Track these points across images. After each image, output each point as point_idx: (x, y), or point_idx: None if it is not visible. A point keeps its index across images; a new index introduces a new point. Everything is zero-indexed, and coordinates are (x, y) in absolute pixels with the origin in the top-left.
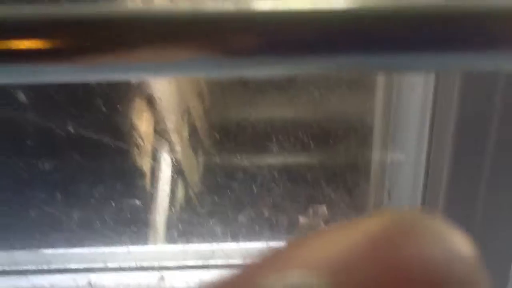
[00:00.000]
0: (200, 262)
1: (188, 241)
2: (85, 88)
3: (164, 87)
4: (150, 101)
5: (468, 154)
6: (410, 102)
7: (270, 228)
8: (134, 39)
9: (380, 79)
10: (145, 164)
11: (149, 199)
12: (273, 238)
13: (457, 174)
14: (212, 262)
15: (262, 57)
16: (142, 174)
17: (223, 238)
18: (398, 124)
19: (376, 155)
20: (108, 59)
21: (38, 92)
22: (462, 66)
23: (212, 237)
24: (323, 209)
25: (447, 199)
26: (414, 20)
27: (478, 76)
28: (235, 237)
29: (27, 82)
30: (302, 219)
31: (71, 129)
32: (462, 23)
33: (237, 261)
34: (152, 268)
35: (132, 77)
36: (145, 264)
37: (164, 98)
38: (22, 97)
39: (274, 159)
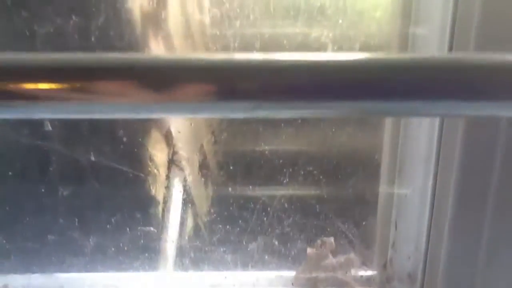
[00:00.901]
0: None
1: (198, 269)
2: (108, 120)
3: (181, 120)
4: (168, 134)
5: (472, 189)
6: (416, 137)
7: (279, 258)
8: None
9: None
10: (159, 193)
11: (162, 227)
12: (282, 267)
13: (461, 209)
14: None
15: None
16: (156, 203)
17: (233, 266)
18: (405, 159)
19: (383, 189)
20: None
21: (63, 121)
22: (459, 113)
23: (222, 265)
24: (330, 241)
25: (451, 234)
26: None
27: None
28: (244, 266)
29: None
30: (310, 250)
31: (92, 157)
32: (462, 74)
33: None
34: None
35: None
36: None
37: (182, 131)
38: (47, 125)
39: (284, 191)
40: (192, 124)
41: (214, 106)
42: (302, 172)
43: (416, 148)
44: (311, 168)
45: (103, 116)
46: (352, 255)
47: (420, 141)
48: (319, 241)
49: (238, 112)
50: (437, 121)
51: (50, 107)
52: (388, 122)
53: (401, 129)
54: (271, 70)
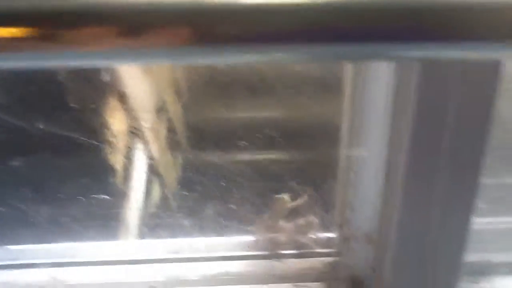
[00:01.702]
0: (168, 256)
1: (156, 236)
2: (56, 86)
3: (137, 84)
4: (123, 98)
5: (424, 149)
6: (372, 99)
7: (239, 223)
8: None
9: (347, 77)
10: (116, 160)
11: (117, 195)
12: (241, 232)
13: (414, 169)
14: (180, 256)
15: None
16: (112, 170)
17: (191, 233)
18: (362, 121)
19: (342, 151)
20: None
21: (9, 89)
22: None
23: (181, 232)
24: (287, 200)
25: (404, 194)
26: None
27: (434, 71)
28: (204, 232)
29: None
30: (268, 211)
31: (41, 126)
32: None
33: (204, 254)
34: (118, 263)
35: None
36: (112, 259)
37: (137, 96)
38: None
39: (244, 156)
40: (149, 86)
41: (192, 51)
42: (262, 136)
43: (372, 109)
44: (270, 132)
45: (74, 64)
46: (311, 218)
47: (375, 102)
48: (276, 202)
49: (216, 57)
50: (390, 82)
51: (13, 56)
52: (348, 83)
53: (358, 90)
54: (251, 13)
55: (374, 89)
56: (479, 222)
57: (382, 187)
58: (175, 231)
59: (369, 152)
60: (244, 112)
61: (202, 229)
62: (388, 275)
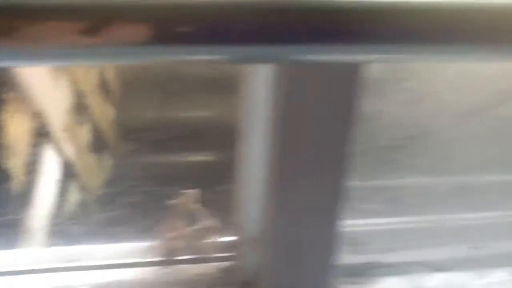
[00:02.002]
0: (59, 265)
1: (53, 244)
2: None
3: (48, 85)
4: (28, 99)
5: (295, 152)
6: (256, 102)
7: (136, 228)
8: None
9: (240, 80)
10: (17, 165)
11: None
12: (133, 238)
13: (288, 169)
14: (71, 264)
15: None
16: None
17: (89, 240)
18: (250, 123)
19: (235, 153)
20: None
21: None
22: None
23: (72, 238)
24: (183, 203)
25: (282, 194)
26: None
27: (297, 74)
28: (102, 239)
29: None
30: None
31: None
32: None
33: (96, 262)
34: (8, 273)
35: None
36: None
37: (48, 97)
38: None
39: (137, 158)
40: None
41: (151, 49)
42: (156, 139)
43: (255, 111)
44: (164, 135)
45: (30, 64)
46: (206, 222)
47: (257, 105)
48: (181, 196)
49: (176, 54)
50: (270, 82)
51: None
52: (241, 86)
53: (246, 91)
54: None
55: (258, 91)
56: (369, 224)
57: (266, 189)
58: (67, 238)
59: (254, 154)
60: (130, 113)
61: (95, 236)
62: (271, 277)
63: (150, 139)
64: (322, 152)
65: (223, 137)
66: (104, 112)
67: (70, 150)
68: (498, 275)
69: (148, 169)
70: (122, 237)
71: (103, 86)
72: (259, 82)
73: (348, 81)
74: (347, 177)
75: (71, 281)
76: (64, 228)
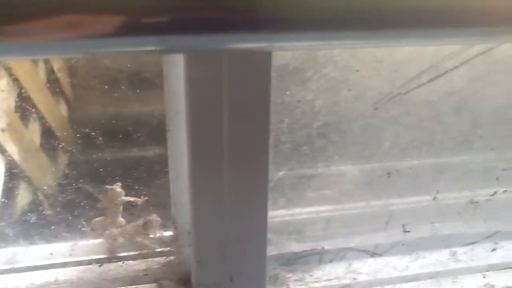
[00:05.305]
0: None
1: None
2: None
3: None
4: None
5: (207, 143)
6: (174, 99)
7: (67, 227)
8: None
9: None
10: None
11: None
12: (71, 237)
13: (201, 164)
14: (6, 266)
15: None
16: None
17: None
18: (170, 118)
19: (166, 149)
20: None
21: None
22: None
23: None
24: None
25: (196, 187)
26: None
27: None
28: (29, 239)
29: None
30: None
31: None
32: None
33: (32, 263)
34: None
35: None
36: None
37: None
38: None
39: (70, 157)
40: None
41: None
42: (89, 136)
43: (177, 105)
44: (92, 131)
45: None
46: (144, 218)
47: (178, 99)
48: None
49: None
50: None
51: None
52: (163, 80)
53: (168, 87)
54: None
55: (177, 85)
56: (304, 212)
57: (188, 183)
58: (3, 240)
59: (181, 148)
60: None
61: (29, 237)
62: (206, 270)
63: (79, 137)
64: (240, 142)
65: (160, 132)
66: (52, 110)
67: (14, 150)
68: (434, 257)
69: (83, 167)
70: (61, 236)
71: (52, 83)
72: (177, 76)
73: (261, 69)
74: (270, 167)
75: (11, 283)
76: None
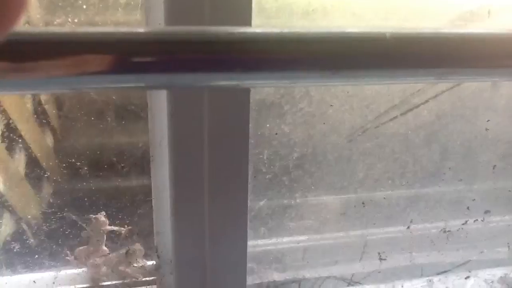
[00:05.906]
0: None
1: None
2: None
3: None
4: None
5: (188, 175)
6: (158, 130)
7: (52, 257)
8: None
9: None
10: None
11: None
12: (56, 266)
13: (181, 192)
14: None
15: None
16: None
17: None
18: (154, 149)
19: (149, 180)
20: None
21: None
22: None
23: None
24: (102, 219)
25: (179, 218)
26: None
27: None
28: (13, 268)
29: None
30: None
31: None
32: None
33: None
34: None
35: None
36: None
37: None
38: None
39: (52, 187)
40: None
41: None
42: (75, 166)
43: (157, 138)
44: (83, 163)
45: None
46: (131, 247)
47: (159, 132)
48: (93, 221)
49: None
50: (168, 109)
51: None
52: (148, 113)
53: (152, 120)
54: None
55: (161, 118)
56: (283, 242)
57: (170, 213)
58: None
59: (165, 178)
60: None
61: (12, 265)
62: None
63: (64, 166)
64: (221, 173)
65: (143, 162)
66: (39, 140)
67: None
68: (410, 285)
69: (68, 196)
70: (44, 265)
71: (39, 114)
72: (161, 109)
73: (240, 104)
74: (248, 198)
75: None
76: None
